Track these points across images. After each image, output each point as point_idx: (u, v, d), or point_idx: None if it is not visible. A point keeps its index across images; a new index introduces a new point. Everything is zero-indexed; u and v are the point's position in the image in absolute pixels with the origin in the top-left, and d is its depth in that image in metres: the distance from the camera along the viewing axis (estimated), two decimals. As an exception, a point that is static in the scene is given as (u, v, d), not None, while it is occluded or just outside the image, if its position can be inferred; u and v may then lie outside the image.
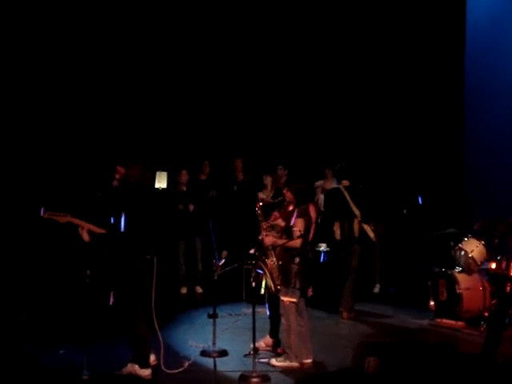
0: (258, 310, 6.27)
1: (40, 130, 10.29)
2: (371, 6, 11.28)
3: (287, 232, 6.36)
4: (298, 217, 6.27)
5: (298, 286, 6.24)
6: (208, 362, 6.46)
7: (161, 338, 5.99)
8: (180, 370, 6.04)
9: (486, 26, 10.40)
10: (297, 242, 6.22)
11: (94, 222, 5.76)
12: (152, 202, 5.98)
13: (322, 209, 8.70)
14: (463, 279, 7.86)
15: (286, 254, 6.33)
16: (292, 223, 6.29)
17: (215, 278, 6.87)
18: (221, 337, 6.88)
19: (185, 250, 9.91)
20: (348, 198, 8.21)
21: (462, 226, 9.25)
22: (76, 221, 5.70)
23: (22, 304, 8.46)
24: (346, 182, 8.35)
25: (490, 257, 7.80)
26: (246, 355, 6.50)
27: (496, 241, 7.46)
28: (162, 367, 5.96)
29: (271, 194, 9.53)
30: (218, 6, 11.36)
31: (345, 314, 8.20)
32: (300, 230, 6.20)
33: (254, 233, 6.60)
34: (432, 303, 8.12)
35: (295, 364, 6.24)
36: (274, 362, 6.34)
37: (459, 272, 7.97)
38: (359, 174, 8.74)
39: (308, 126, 11.64)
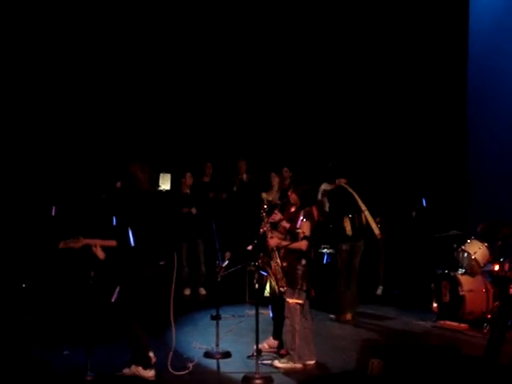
0: (262, 311, 6.28)
1: (45, 132, 10.31)
2: (376, 6, 11.29)
3: (292, 234, 6.37)
4: (304, 219, 6.29)
5: (304, 287, 6.25)
6: (211, 363, 6.46)
7: (174, 339, 6.01)
8: (186, 371, 6.05)
9: (488, 28, 10.41)
10: (302, 244, 6.23)
11: (99, 226, 5.77)
12: (159, 208, 5.95)
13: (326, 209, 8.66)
14: (466, 281, 7.86)
15: (291, 255, 6.34)
16: (298, 225, 6.31)
17: (218, 279, 6.88)
18: (224, 338, 6.88)
19: (188, 252, 9.92)
20: (354, 193, 8.20)
21: (465, 227, 9.26)
22: (89, 241, 5.71)
23: (26, 305, 8.48)
24: (343, 180, 8.33)
25: (492, 259, 7.81)
26: (249, 357, 6.51)
27: (499, 243, 7.48)
28: (169, 368, 5.97)
29: (277, 196, 9.53)
30: (222, 10, 11.39)
31: (349, 316, 8.19)
32: (304, 232, 6.22)
33: (256, 234, 6.59)
34: (435, 305, 8.12)
35: (298, 365, 6.24)
36: (277, 363, 6.34)
37: (462, 274, 7.97)
38: (363, 175, 8.75)
39: (312, 129, 11.64)
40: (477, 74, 10.54)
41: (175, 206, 9.72)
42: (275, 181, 9.88)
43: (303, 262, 6.25)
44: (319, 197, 8.96)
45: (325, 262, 8.94)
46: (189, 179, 9.91)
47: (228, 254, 7.24)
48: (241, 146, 11.22)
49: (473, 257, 7.89)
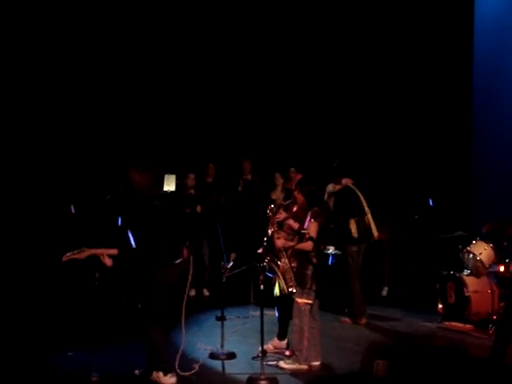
0: (267, 312, 6.27)
1: (49, 133, 10.34)
2: (381, 5, 11.29)
3: (299, 234, 6.37)
4: (312, 219, 6.29)
5: (313, 287, 6.25)
6: (216, 364, 6.46)
7: (183, 339, 6.02)
8: (192, 372, 6.05)
9: (493, 27, 10.39)
10: (308, 245, 6.23)
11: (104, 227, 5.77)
12: (162, 210, 5.93)
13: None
14: (471, 282, 7.84)
15: (300, 255, 6.34)
16: (305, 226, 6.30)
17: (223, 280, 6.88)
18: (229, 339, 6.88)
19: (193, 253, 9.88)
20: (360, 194, 8.17)
21: (470, 228, 9.24)
22: (94, 251, 5.70)
23: (31, 306, 8.50)
24: (350, 181, 8.29)
25: (498, 259, 7.79)
26: (254, 358, 6.50)
27: (504, 243, 7.47)
28: (177, 369, 5.97)
29: (282, 196, 9.52)
30: (225, 9, 11.39)
31: (364, 320, 8.11)
32: (309, 233, 6.22)
33: (264, 235, 6.57)
34: (440, 306, 8.10)
35: (304, 366, 6.23)
36: (282, 364, 6.33)
37: (467, 275, 7.95)
38: (368, 176, 8.73)
39: (317, 130, 11.64)
40: (482, 73, 10.52)
41: (180, 207, 9.72)
42: (279, 181, 9.85)
43: (313, 261, 6.25)
44: (325, 198, 8.94)
45: (330, 263, 8.94)
46: (191, 180, 9.88)
47: (233, 255, 7.24)
48: (245, 147, 11.21)
49: (478, 258, 7.86)
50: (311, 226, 6.26)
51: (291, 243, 6.39)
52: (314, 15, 11.54)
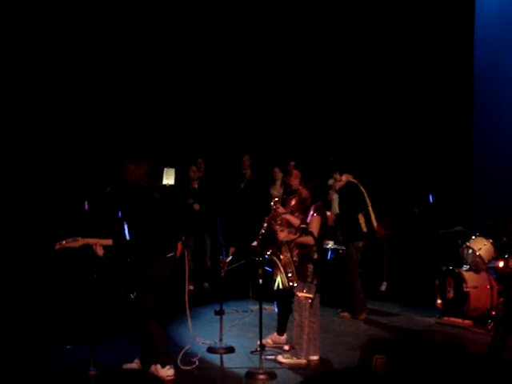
0: (265, 306, 6.26)
1: (50, 126, 10.32)
2: (382, 4, 11.27)
3: (301, 228, 6.35)
4: (314, 213, 6.29)
5: (315, 281, 6.24)
6: (215, 358, 6.45)
7: (191, 332, 6.04)
8: (191, 367, 6.04)
9: (494, 22, 10.37)
10: (309, 239, 6.23)
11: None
12: (158, 203, 5.91)
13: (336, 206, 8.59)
14: (471, 277, 7.84)
15: (302, 249, 6.33)
16: (308, 220, 6.29)
17: (222, 274, 6.87)
18: (227, 333, 6.88)
19: (194, 247, 9.87)
20: (363, 190, 8.15)
21: (470, 224, 9.23)
22: (89, 240, 5.70)
23: (28, 300, 8.50)
24: (350, 176, 8.26)
25: (497, 255, 7.80)
26: (252, 352, 6.50)
27: (504, 239, 7.46)
28: (179, 363, 5.98)
29: (281, 191, 9.50)
30: (223, 6, 11.37)
31: (363, 316, 8.10)
32: (310, 227, 6.21)
33: (260, 228, 6.55)
34: (439, 301, 8.10)
35: (302, 361, 6.23)
36: (280, 358, 6.33)
37: (467, 270, 7.95)
38: (367, 171, 8.72)
39: (316, 125, 11.63)
40: (483, 69, 10.50)
41: (180, 201, 9.69)
42: (279, 176, 9.85)
43: (315, 256, 6.24)
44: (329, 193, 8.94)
45: (329, 257, 8.93)
46: (194, 173, 9.80)
47: (232, 249, 7.23)
48: (244, 141, 11.19)
49: (477, 253, 7.87)
50: (314, 221, 6.27)
51: (293, 236, 6.38)
52: (314, 13, 11.52)
